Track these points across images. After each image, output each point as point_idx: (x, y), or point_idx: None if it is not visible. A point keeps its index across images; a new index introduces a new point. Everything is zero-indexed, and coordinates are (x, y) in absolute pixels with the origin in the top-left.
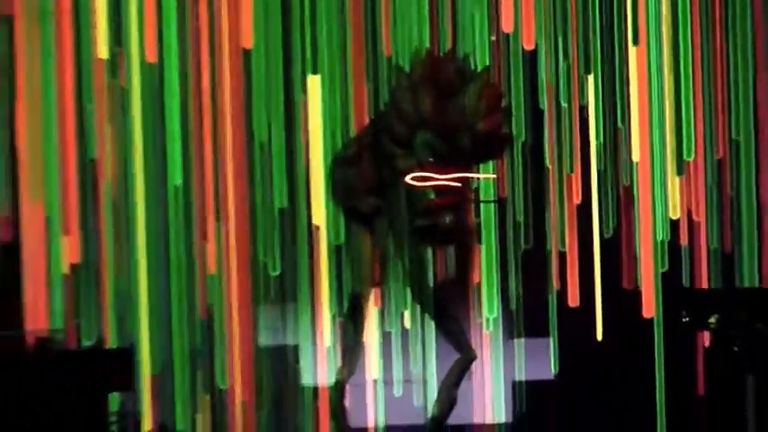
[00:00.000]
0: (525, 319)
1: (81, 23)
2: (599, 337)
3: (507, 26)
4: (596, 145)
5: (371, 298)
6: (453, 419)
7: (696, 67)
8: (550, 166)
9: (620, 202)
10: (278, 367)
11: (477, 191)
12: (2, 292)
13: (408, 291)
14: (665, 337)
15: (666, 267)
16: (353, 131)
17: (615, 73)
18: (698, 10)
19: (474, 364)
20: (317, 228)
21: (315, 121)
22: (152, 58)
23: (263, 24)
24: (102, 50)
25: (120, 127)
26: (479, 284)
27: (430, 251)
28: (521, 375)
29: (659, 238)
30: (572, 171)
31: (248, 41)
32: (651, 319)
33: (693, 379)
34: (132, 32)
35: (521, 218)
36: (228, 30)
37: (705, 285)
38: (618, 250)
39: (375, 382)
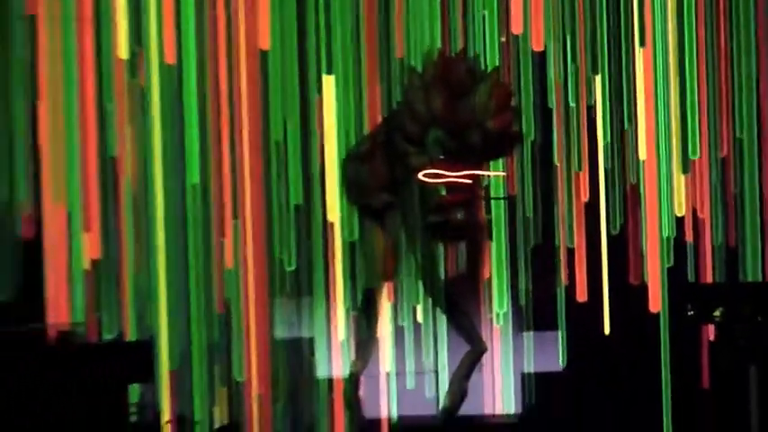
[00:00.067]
0: (534, 313)
1: (102, 24)
2: (606, 330)
3: (517, 28)
4: (604, 144)
5: (384, 292)
6: (464, 410)
7: (701, 68)
8: (559, 165)
9: (627, 199)
10: (294, 360)
11: (487, 188)
12: (25, 288)
13: (420, 285)
14: (670, 330)
15: (672, 263)
16: (367, 130)
17: (622, 74)
18: (703, 12)
19: (484, 356)
20: (332, 224)
21: (329, 120)
22: (171, 59)
23: (279, 26)
24: (123, 51)
25: (140, 126)
26: (490, 280)
27: (441, 247)
28: (530, 368)
29: (665, 234)
30: (580, 169)
31: (265, 43)
32: (657, 314)
33: (698, 371)
34: (152, 34)
35: (530, 215)
36: (245, 31)
37: (710, 280)
38: (625, 246)
39: (388, 374)
